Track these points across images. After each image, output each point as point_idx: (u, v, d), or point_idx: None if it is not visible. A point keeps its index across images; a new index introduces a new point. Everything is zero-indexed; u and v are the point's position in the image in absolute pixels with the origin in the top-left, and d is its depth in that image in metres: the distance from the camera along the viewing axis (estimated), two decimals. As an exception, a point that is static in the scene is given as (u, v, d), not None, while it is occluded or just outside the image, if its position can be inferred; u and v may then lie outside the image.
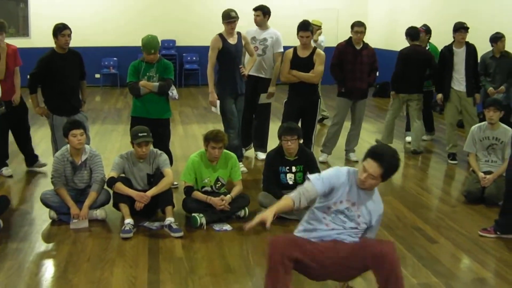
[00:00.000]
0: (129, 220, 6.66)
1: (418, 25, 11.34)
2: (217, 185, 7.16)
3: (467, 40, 9.97)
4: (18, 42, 10.00)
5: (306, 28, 8.80)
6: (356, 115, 10.10)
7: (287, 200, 4.69)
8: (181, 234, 6.55)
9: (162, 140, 7.92)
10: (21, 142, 9.15)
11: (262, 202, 7.14)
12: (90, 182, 7.09)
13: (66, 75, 8.17)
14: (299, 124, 8.54)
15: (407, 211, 7.52)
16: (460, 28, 9.89)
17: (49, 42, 8.50)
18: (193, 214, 6.86)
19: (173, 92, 8.14)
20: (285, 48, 9.50)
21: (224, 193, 7.11)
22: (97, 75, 19.47)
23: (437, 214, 7.48)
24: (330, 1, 21.07)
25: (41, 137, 11.03)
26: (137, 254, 6.09)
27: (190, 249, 6.24)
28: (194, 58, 20.27)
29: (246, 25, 9.86)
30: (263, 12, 9.59)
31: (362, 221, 4.76)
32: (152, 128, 7.24)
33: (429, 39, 11.59)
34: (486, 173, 7.96)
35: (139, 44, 7.77)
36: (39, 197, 7.10)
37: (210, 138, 6.90)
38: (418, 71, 10.54)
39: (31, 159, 9.26)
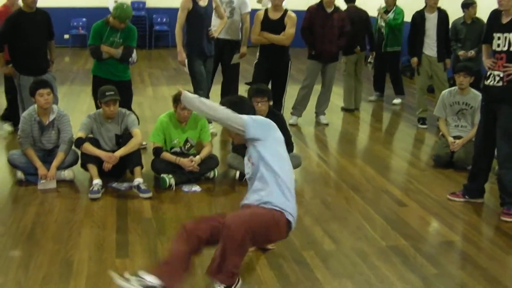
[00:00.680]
0: (97, 181, 6.61)
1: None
2: (187, 146, 7.11)
3: (439, 5, 9.95)
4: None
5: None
6: (326, 78, 10.09)
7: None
8: (149, 195, 6.52)
9: (125, 101, 7.81)
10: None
11: (231, 163, 7.12)
12: (58, 143, 7.00)
13: (33, 34, 8.02)
14: (269, 87, 8.51)
15: (376, 174, 7.54)
16: (432, -7, 9.89)
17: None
18: (162, 175, 6.82)
19: (133, 56, 8.10)
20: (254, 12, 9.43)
21: (193, 154, 7.07)
22: (66, 36, 19.22)
23: (406, 178, 7.51)
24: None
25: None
26: (105, 215, 6.05)
27: (159, 210, 6.21)
28: (164, 19, 20.11)
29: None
30: None
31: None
32: (118, 88, 7.13)
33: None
34: (455, 138, 8.00)
35: (108, 5, 7.67)
36: (7, 157, 7.01)
37: (179, 99, 6.82)
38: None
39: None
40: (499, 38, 6.12)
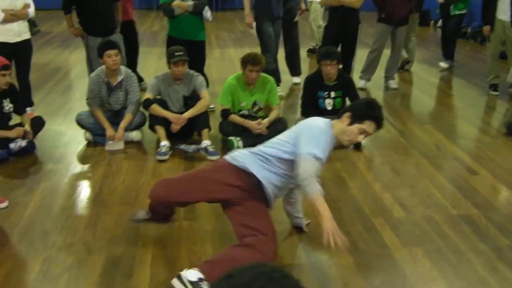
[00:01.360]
0: (165, 142, 6.61)
1: None
2: (254, 109, 7.05)
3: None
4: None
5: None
6: (396, 41, 9.88)
7: (320, 197, 4.05)
8: (217, 157, 6.46)
9: (197, 63, 7.79)
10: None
11: (299, 127, 7.02)
12: (126, 104, 7.01)
13: (100, -5, 8.01)
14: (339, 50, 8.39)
15: (446, 140, 7.36)
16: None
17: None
18: (229, 138, 6.79)
19: (207, 13, 8.05)
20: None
21: (261, 117, 7.00)
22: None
23: (477, 145, 7.32)
24: None
25: (76, 59, 10.97)
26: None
27: (226, 172, 6.16)
28: (230, -19, 20.01)
29: None
30: None
31: None
32: (188, 50, 7.07)
33: None
34: (528, 105, 7.78)
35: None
36: (75, 118, 7.06)
37: (248, 61, 6.76)
38: None
39: None
40: None
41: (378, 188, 5.89)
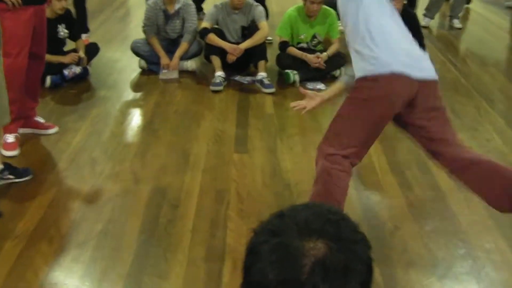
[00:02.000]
0: (220, 73, 6.46)
1: None
2: (314, 42, 6.83)
3: None
4: None
5: None
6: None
7: (338, 83, 3.96)
8: (273, 90, 6.31)
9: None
10: None
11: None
12: (182, 32, 6.85)
13: None
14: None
15: (510, 85, 7.04)
16: None
17: None
18: (286, 71, 6.59)
19: None
20: None
21: (320, 51, 6.78)
22: None
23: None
24: None
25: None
26: (226, 108, 5.92)
27: (281, 106, 6.01)
28: None
29: None
30: None
31: None
32: None
33: None
34: None
35: None
36: (130, 45, 6.93)
37: (307, -9, 6.54)
38: None
39: None
40: None
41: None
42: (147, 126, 5.47)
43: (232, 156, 4.90)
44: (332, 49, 6.76)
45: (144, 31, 6.85)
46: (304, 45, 6.82)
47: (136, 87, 6.46)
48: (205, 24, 6.68)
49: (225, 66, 6.57)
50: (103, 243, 3.72)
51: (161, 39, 6.85)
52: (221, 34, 6.69)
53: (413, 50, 3.55)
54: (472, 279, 3.52)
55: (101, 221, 3.95)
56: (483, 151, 5.16)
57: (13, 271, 3.41)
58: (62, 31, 6.38)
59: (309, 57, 6.60)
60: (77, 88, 6.31)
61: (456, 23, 9.67)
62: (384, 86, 3.38)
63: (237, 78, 6.57)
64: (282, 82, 6.56)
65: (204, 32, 6.62)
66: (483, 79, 7.19)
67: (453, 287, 3.46)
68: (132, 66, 6.95)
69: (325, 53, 6.69)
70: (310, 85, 6.51)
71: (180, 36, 6.87)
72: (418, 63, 3.48)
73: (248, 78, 6.57)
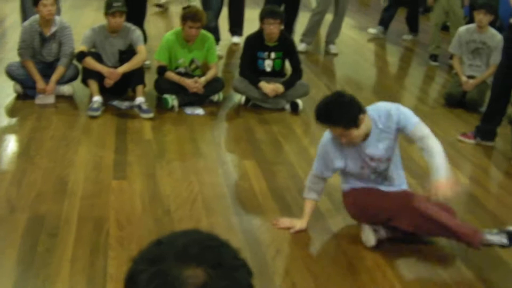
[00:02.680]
0: (97, 98, 6.38)
1: None
2: (192, 67, 6.86)
3: None
4: None
5: None
6: (339, 5, 9.73)
7: (310, 202, 4.41)
8: (151, 115, 6.29)
9: (137, 16, 7.54)
10: None
11: (237, 87, 6.88)
12: (59, 56, 6.73)
13: None
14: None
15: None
16: None
17: None
18: (164, 95, 6.59)
19: None
20: None
21: (198, 76, 6.81)
22: None
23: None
24: None
25: (11, 8, 10.59)
26: (104, 134, 5.85)
27: (160, 131, 6.01)
28: None
29: None
30: None
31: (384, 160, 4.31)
32: (128, 1, 6.83)
33: None
34: (469, 77, 7.74)
35: None
36: (4, 68, 6.77)
37: (188, 17, 6.57)
38: None
39: None
40: None
41: (314, 152, 5.78)
42: (23, 153, 5.34)
43: (110, 183, 4.86)
44: (210, 74, 6.80)
45: (19, 54, 6.66)
46: (182, 69, 6.83)
47: (11, 112, 6.30)
48: (81, 47, 6.58)
49: (103, 91, 6.48)
50: (-22, 275, 3.62)
51: (37, 62, 6.69)
52: (98, 58, 6.62)
53: None
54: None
55: (-25, 252, 3.85)
56: None
57: None
58: None
59: (187, 82, 6.61)
60: None
61: (332, 48, 9.91)
62: None
63: (115, 103, 6.52)
64: (161, 107, 6.55)
65: (81, 55, 6.53)
66: (358, 103, 7.41)
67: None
68: (6, 91, 6.75)
69: (203, 78, 6.72)
70: (188, 110, 6.54)
71: (57, 59, 6.73)
72: None
73: (126, 103, 6.52)
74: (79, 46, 6.62)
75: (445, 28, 10.24)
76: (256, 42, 6.96)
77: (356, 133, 4.04)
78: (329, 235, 4.38)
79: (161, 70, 6.71)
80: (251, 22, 9.23)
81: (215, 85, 6.80)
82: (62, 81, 6.68)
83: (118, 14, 6.50)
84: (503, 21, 8.97)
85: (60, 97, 6.65)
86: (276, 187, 4.99)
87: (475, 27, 7.79)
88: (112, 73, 6.42)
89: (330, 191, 4.88)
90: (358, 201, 4.29)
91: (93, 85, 6.46)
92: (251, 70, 6.91)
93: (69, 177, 4.89)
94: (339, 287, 3.80)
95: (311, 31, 9.77)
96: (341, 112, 4.01)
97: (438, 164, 4.10)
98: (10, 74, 6.67)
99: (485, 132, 6.44)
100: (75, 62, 6.76)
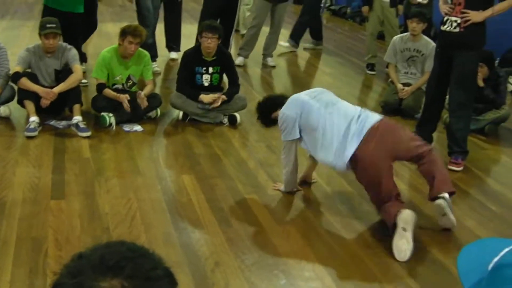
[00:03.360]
0: (34, 118, 6.33)
1: None
2: (129, 84, 6.86)
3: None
4: None
5: None
6: (275, 18, 9.84)
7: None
8: (88, 133, 6.27)
9: (72, 36, 7.51)
10: None
11: (174, 103, 6.91)
12: (-6, 77, 6.69)
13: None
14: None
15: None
16: None
17: None
18: (102, 114, 6.58)
19: None
20: None
21: (135, 92, 6.81)
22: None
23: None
24: None
25: None
26: (41, 154, 5.81)
27: (98, 149, 6.00)
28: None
29: None
30: None
31: None
32: (64, 22, 6.82)
33: None
34: (404, 84, 7.91)
35: None
36: None
37: (128, 32, 6.58)
38: None
39: None
40: None
41: (253, 165, 5.86)
42: (-42, 175, 5.29)
43: (49, 203, 4.83)
44: (146, 90, 6.81)
45: (-45, 75, 6.63)
46: (119, 86, 6.84)
47: None
48: (17, 68, 6.53)
49: (40, 111, 6.44)
50: None
51: (-29, 84, 6.66)
52: (34, 78, 6.57)
53: None
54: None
55: None
56: (298, 184, 5.40)
57: None
58: None
59: (122, 97, 6.60)
60: None
61: (270, 61, 10.01)
62: None
63: (52, 122, 6.49)
64: (98, 125, 6.54)
65: (16, 76, 6.47)
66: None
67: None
68: None
69: (143, 92, 6.71)
70: (126, 127, 6.55)
71: (-8, 81, 6.69)
72: None
73: (63, 122, 6.49)
74: (14, 67, 6.58)
75: (381, 37, 10.42)
76: (194, 57, 7.00)
77: None
78: (267, 245, 4.42)
79: (101, 87, 6.70)
80: (188, 37, 9.31)
81: (152, 101, 6.81)
82: (-2, 102, 6.63)
83: (52, 35, 6.49)
84: (437, 29, 9.16)
85: (-4, 119, 6.60)
86: (215, 200, 5.03)
87: (409, 36, 7.96)
88: (48, 93, 6.39)
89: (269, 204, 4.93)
90: None
91: (30, 105, 6.42)
92: (188, 85, 6.94)
93: (7, 198, 4.84)
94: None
95: (248, 45, 9.85)
96: None
97: None
98: None
99: (421, 138, 6.57)
100: (10, 82, 6.70)
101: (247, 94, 7.86)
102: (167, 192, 5.17)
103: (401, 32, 8.95)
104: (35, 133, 6.21)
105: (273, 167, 5.81)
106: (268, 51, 10.10)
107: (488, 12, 5.86)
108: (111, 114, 6.55)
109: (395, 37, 8.27)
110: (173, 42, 9.58)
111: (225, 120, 6.89)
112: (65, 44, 6.75)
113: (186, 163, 5.81)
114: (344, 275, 4.11)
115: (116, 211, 4.75)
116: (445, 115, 6.77)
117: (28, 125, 6.28)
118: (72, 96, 6.52)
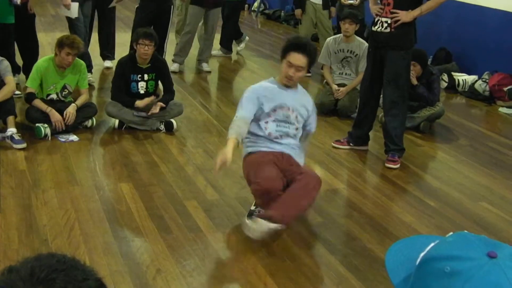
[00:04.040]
0: (-34, 132, 6.24)
1: None
2: (64, 93, 6.80)
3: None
4: None
5: None
6: (209, 24, 9.84)
7: (232, 140, 4.67)
8: (23, 145, 6.18)
9: (5, 47, 7.41)
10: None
11: (110, 112, 6.86)
12: None
13: None
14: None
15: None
16: None
17: None
18: (37, 125, 6.49)
19: None
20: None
21: (70, 102, 6.76)
22: None
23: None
24: None
25: None
26: (-25, 168, 5.73)
27: (34, 161, 5.91)
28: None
29: None
30: None
31: (300, 120, 5.00)
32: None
33: None
34: (339, 85, 8.01)
35: None
36: None
37: (66, 44, 6.52)
38: None
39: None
40: None
41: (191, 170, 5.86)
42: None
43: (-16, 217, 4.76)
44: (81, 100, 6.76)
45: None
46: (54, 96, 6.76)
47: None
48: None
49: (-28, 125, 6.36)
50: None
51: None
52: (-34, 92, 6.47)
53: None
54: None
55: None
56: (238, 187, 5.56)
57: None
58: None
59: (53, 112, 6.53)
60: None
61: (205, 66, 10.01)
62: None
63: (-15, 135, 6.39)
64: (34, 137, 6.45)
65: (-52, 89, 6.37)
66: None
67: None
68: None
69: (73, 104, 6.65)
70: (62, 137, 6.46)
71: None
72: None
73: (-3, 135, 6.41)
74: None
75: (315, 39, 10.50)
76: (128, 65, 6.96)
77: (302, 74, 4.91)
78: (208, 250, 4.43)
79: (29, 97, 6.62)
80: (122, 46, 9.25)
81: (87, 110, 6.77)
82: None
83: None
84: (370, 30, 9.29)
85: None
86: (154, 208, 5.02)
87: (342, 37, 8.06)
88: (-20, 106, 6.29)
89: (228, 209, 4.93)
90: None
91: (-38, 118, 6.32)
92: (123, 93, 6.90)
93: None
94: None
95: (183, 51, 9.84)
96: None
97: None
98: None
99: (358, 137, 6.67)
100: None
101: (183, 100, 7.87)
102: (106, 201, 5.13)
103: (335, 34, 9.06)
104: (-32, 147, 6.10)
105: (211, 172, 5.81)
106: (203, 56, 10.10)
107: (416, 12, 5.98)
108: (46, 125, 6.47)
109: (328, 39, 8.36)
110: (107, 51, 9.50)
111: (162, 126, 6.87)
112: (-4, 56, 6.65)
113: (124, 171, 5.77)
114: (283, 274, 4.15)
115: (54, 223, 4.69)
116: (380, 114, 6.88)
117: (-41, 139, 6.17)
118: (6, 107, 6.40)
